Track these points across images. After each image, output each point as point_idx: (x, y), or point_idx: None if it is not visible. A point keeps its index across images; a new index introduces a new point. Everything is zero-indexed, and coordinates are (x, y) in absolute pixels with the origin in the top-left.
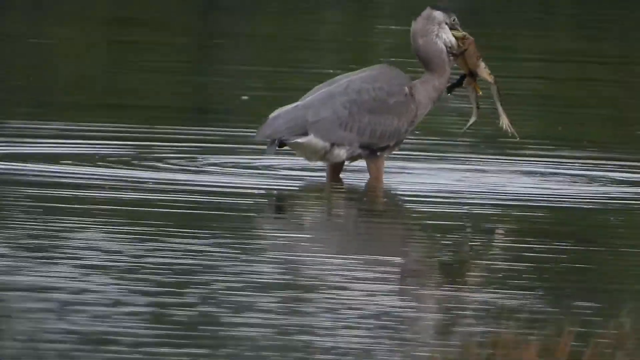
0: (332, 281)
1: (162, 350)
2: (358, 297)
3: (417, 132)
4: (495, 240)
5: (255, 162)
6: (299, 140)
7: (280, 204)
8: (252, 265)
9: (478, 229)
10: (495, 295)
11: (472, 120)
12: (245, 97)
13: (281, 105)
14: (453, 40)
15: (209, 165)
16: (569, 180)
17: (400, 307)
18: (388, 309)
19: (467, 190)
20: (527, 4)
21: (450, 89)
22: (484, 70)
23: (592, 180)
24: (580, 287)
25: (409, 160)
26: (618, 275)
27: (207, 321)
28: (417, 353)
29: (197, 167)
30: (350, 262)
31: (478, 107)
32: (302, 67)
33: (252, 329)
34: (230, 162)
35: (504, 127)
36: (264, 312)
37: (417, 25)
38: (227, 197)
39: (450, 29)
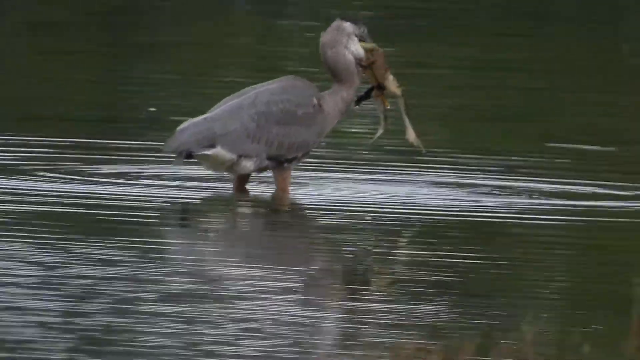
0: (238, 291)
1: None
2: (263, 307)
3: (325, 142)
4: (401, 251)
5: (163, 173)
6: (207, 152)
7: (186, 215)
8: (159, 276)
9: (384, 239)
10: (399, 305)
11: (380, 132)
12: (153, 109)
13: (190, 117)
14: (362, 51)
15: (116, 176)
16: (477, 191)
17: (305, 317)
18: (293, 319)
19: (373, 200)
20: (439, 18)
21: (358, 101)
22: (392, 83)
23: (501, 190)
24: (484, 297)
25: (317, 171)
26: (520, 286)
27: (115, 330)
28: None
29: (104, 178)
30: (256, 273)
31: (386, 120)
32: (212, 77)
33: (161, 339)
34: (138, 172)
35: (410, 140)
36: (173, 321)
37: (326, 36)
38: (133, 209)
39: (360, 40)
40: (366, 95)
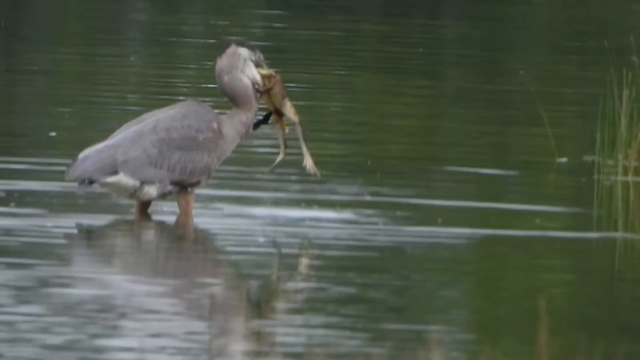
0: (136, 315)
1: None
2: (163, 329)
3: (226, 166)
4: (303, 276)
5: (66, 198)
6: (109, 179)
7: (89, 239)
8: (63, 297)
9: (286, 264)
10: (302, 330)
11: (280, 158)
12: (53, 134)
13: (91, 143)
14: (258, 76)
15: (18, 203)
16: (374, 214)
17: (205, 343)
18: (193, 345)
19: (276, 225)
20: (334, 51)
21: (256, 126)
22: (289, 110)
23: (399, 211)
24: (389, 321)
25: (221, 198)
26: (427, 308)
27: (23, 342)
28: None
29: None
30: (156, 295)
31: (285, 146)
32: (109, 103)
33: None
34: (39, 197)
35: (308, 167)
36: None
37: (222, 62)
38: (35, 234)
39: (256, 66)
40: (264, 120)
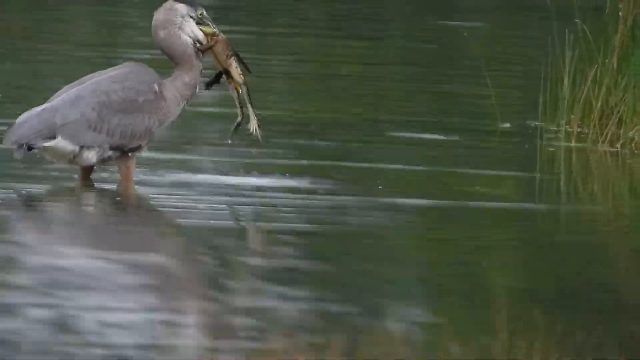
0: (85, 284)
1: None
2: (117, 300)
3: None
4: (246, 249)
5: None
6: (47, 144)
7: (30, 205)
8: (7, 269)
9: (226, 235)
10: (259, 303)
11: (237, 120)
12: None
13: (30, 106)
14: (200, 34)
15: None
16: (314, 181)
17: (159, 314)
18: (147, 316)
19: (217, 195)
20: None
21: (207, 86)
22: (234, 70)
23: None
24: (338, 301)
25: (163, 162)
26: (374, 283)
27: None
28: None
29: None
30: (101, 265)
31: (241, 107)
32: (51, 65)
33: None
34: None
35: (251, 129)
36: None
37: (158, 16)
38: None
39: (198, 23)
40: (215, 80)
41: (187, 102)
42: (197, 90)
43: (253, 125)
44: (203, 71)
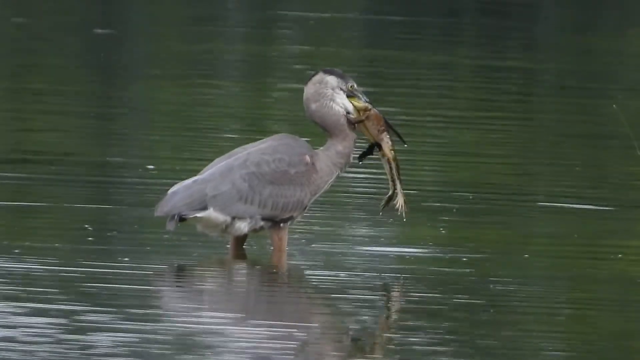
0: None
1: None
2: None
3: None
4: (395, 320)
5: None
6: (199, 215)
7: (182, 274)
8: (154, 334)
9: (379, 305)
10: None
11: (389, 194)
12: (151, 167)
13: (186, 176)
14: (350, 106)
15: (113, 239)
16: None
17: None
18: None
19: (368, 263)
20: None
21: (361, 157)
22: (386, 145)
23: None
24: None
25: (310, 232)
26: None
27: None
28: None
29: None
30: (250, 333)
31: (393, 180)
32: (204, 136)
33: None
34: (135, 233)
35: (397, 206)
36: None
37: (308, 90)
38: (129, 268)
39: (349, 96)
40: (369, 151)
41: (340, 171)
42: (351, 159)
43: (400, 202)
44: (357, 142)
